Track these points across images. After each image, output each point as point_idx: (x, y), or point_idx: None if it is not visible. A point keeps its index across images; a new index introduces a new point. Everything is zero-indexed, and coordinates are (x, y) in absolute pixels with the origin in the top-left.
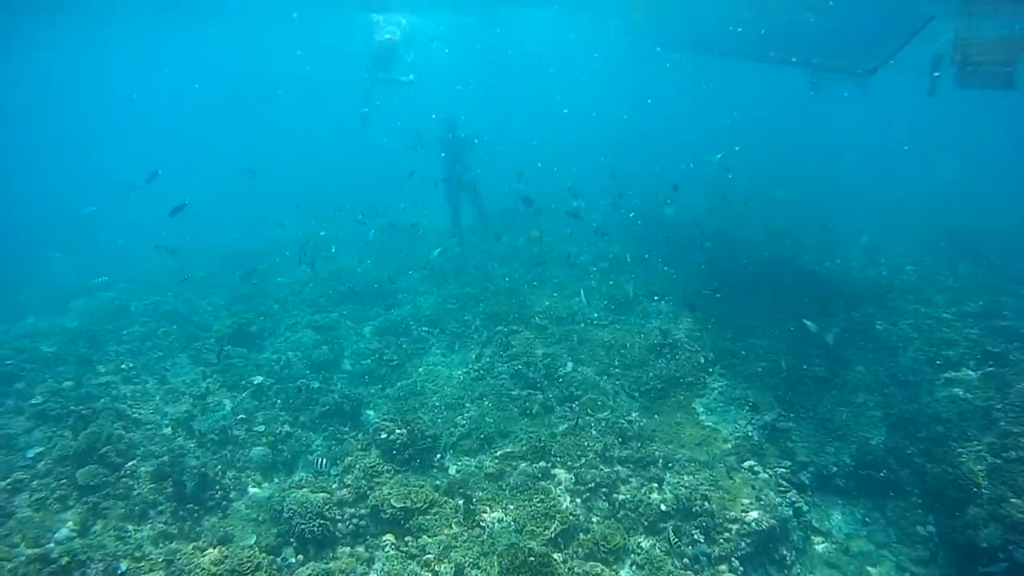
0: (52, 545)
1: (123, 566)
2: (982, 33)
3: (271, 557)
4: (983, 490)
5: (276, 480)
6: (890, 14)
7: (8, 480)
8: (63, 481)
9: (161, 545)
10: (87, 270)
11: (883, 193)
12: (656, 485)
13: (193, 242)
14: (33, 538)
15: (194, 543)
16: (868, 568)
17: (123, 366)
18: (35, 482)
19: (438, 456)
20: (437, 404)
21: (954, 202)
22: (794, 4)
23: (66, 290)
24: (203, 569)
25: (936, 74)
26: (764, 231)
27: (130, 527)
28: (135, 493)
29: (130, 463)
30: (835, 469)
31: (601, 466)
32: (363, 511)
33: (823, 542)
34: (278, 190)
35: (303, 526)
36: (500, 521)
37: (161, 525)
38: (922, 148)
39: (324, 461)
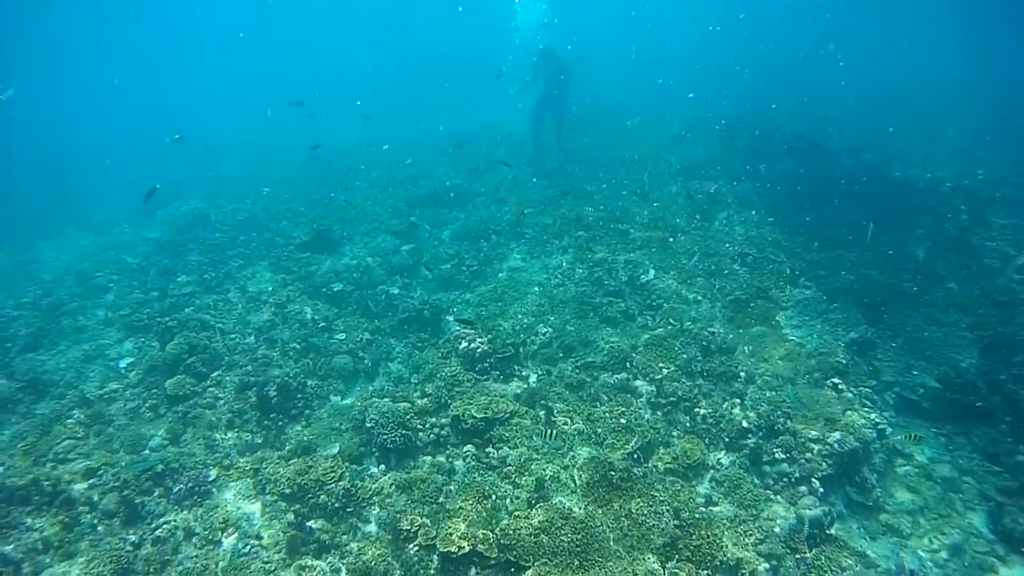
0: (147, 452)
1: (212, 474)
2: None
3: (354, 466)
4: None
5: (358, 388)
6: None
7: (104, 390)
8: (153, 391)
9: (247, 454)
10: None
11: (984, 100)
12: (738, 400)
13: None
14: (131, 445)
15: (279, 452)
16: (951, 494)
17: (205, 275)
18: (128, 392)
19: (518, 365)
20: (518, 311)
21: None
22: None
23: (150, 202)
24: (288, 478)
25: None
26: (855, 136)
27: (217, 436)
28: (221, 403)
29: (215, 373)
30: (922, 391)
31: (683, 379)
32: (444, 421)
33: (905, 465)
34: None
35: (384, 436)
36: (581, 433)
37: (247, 434)
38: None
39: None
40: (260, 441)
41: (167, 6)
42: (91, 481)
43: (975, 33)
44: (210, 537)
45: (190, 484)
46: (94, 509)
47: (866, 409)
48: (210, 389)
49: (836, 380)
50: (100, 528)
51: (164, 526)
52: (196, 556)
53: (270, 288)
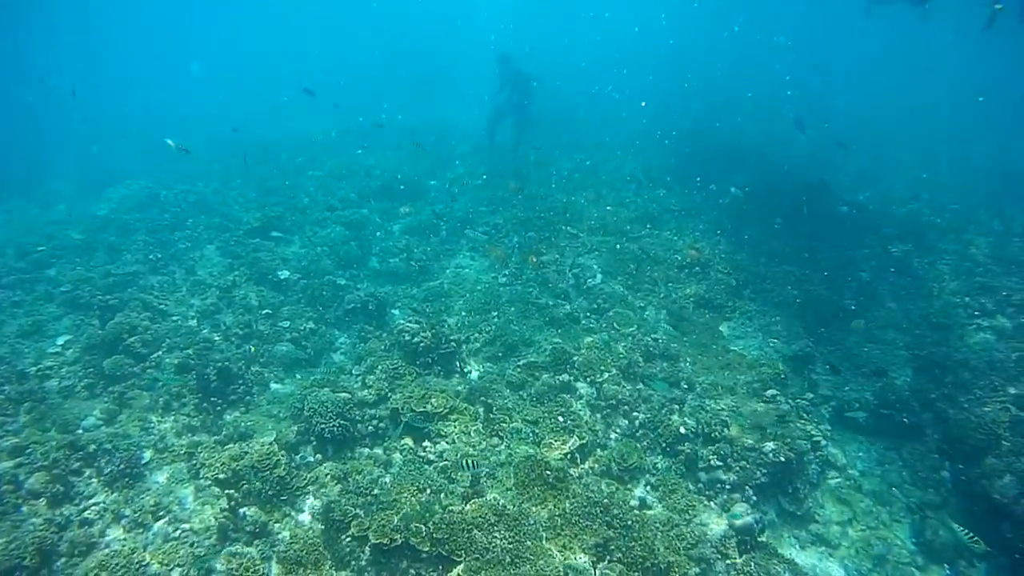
0: (80, 432)
1: (146, 456)
2: None
3: (290, 454)
4: (1003, 442)
5: (299, 377)
6: None
7: (39, 366)
8: (90, 370)
9: (184, 437)
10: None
11: (927, 127)
12: (677, 407)
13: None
14: (63, 424)
15: (215, 436)
16: (878, 507)
17: (151, 256)
18: (64, 369)
19: (460, 361)
20: (463, 308)
21: (1004, 142)
22: None
23: (98, 177)
24: (223, 463)
25: (998, 6)
26: (806, 155)
27: (154, 418)
28: (159, 385)
29: (155, 354)
30: (857, 406)
31: (623, 383)
32: (383, 413)
33: (837, 477)
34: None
35: (323, 425)
36: (519, 432)
37: (184, 417)
38: (969, 85)
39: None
40: (197, 425)
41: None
42: (18, 459)
43: (932, 61)
44: (139, 520)
45: (122, 465)
46: (19, 488)
47: (802, 421)
48: (149, 370)
49: (774, 391)
50: (24, 508)
51: (93, 508)
52: (124, 539)
53: (216, 272)
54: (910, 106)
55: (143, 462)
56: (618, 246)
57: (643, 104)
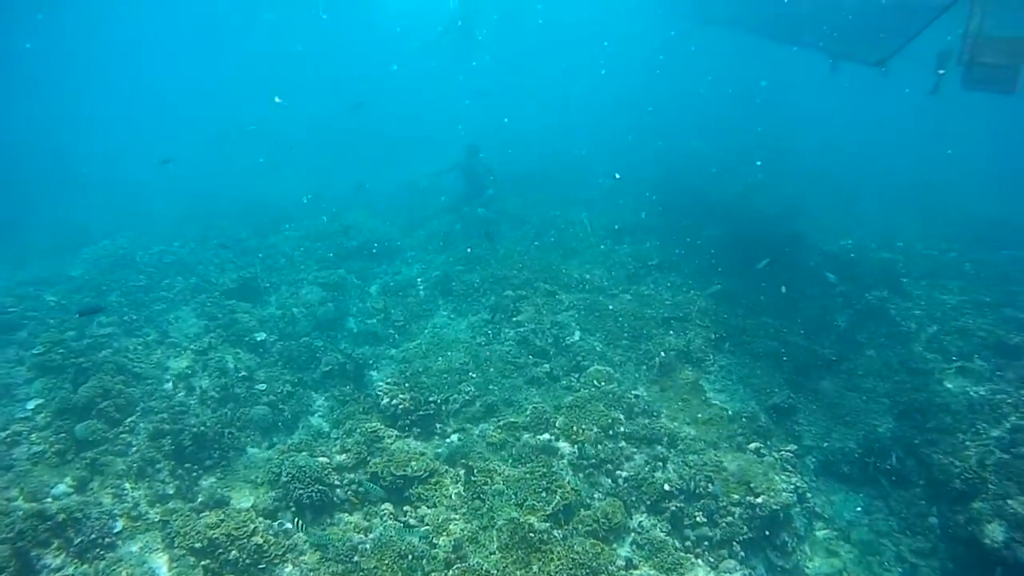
0: (49, 500)
1: (119, 525)
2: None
3: (268, 522)
4: (989, 485)
5: (276, 441)
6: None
7: (7, 432)
8: (62, 435)
9: (158, 505)
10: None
11: (900, 178)
12: (660, 463)
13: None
14: (31, 492)
15: (191, 504)
16: (868, 557)
17: (126, 318)
18: (34, 435)
19: (440, 423)
20: (442, 368)
21: (972, 190)
22: None
23: (74, 237)
24: (199, 532)
25: (941, 72)
26: (779, 207)
27: (127, 485)
28: (133, 450)
29: (129, 419)
30: (841, 455)
31: (606, 441)
32: (362, 477)
33: (825, 528)
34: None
35: (301, 491)
36: (501, 494)
37: (158, 484)
38: (934, 135)
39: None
40: (172, 492)
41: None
42: None
43: (895, 115)
44: None
45: (93, 535)
46: None
47: (787, 473)
48: (122, 435)
49: (758, 444)
50: None
51: None
52: None
53: (192, 333)
54: (878, 158)
55: (115, 531)
56: (596, 303)
57: (616, 176)
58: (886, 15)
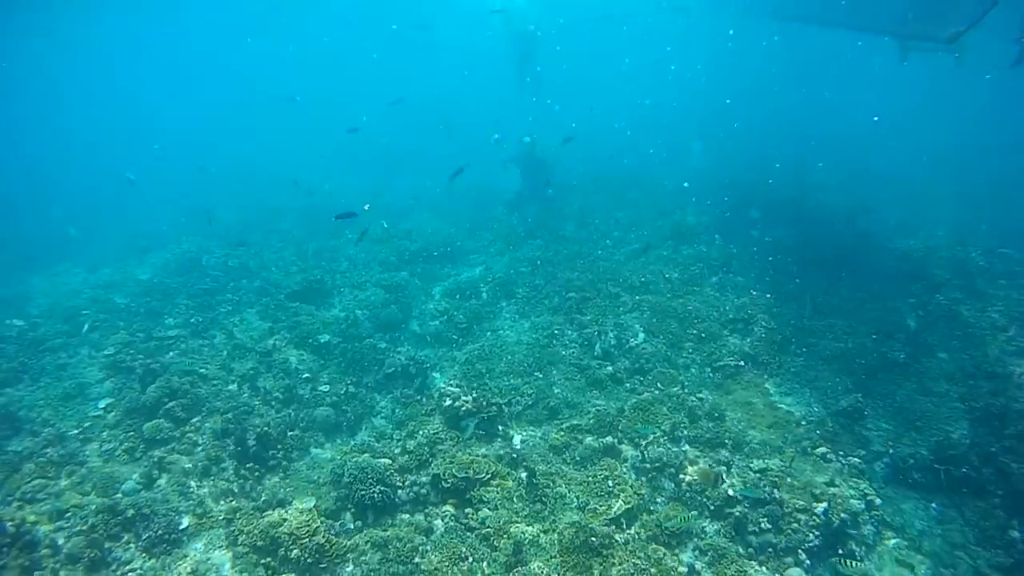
0: (120, 496)
1: (185, 521)
2: None
3: (330, 521)
4: None
5: (339, 442)
6: None
7: (80, 429)
8: (131, 433)
9: (222, 502)
10: (164, 225)
11: (975, 173)
12: (724, 468)
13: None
14: (102, 487)
15: (254, 503)
16: (942, 569)
17: (192, 320)
18: (105, 433)
19: (503, 425)
20: (504, 371)
21: None
22: None
23: (142, 242)
24: (261, 530)
25: None
26: (847, 205)
27: (192, 483)
28: (199, 449)
29: (195, 419)
30: (912, 462)
31: (669, 445)
32: (424, 479)
33: (895, 538)
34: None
35: (363, 492)
36: (563, 497)
37: (223, 482)
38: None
39: None
40: (236, 490)
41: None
42: (58, 523)
43: (967, 102)
44: None
45: (160, 531)
46: (58, 553)
47: (855, 479)
48: (188, 434)
49: (824, 449)
50: (62, 574)
51: (130, 574)
52: None
53: (257, 335)
54: (952, 153)
55: (181, 528)
56: (659, 304)
57: (685, 184)
58: None
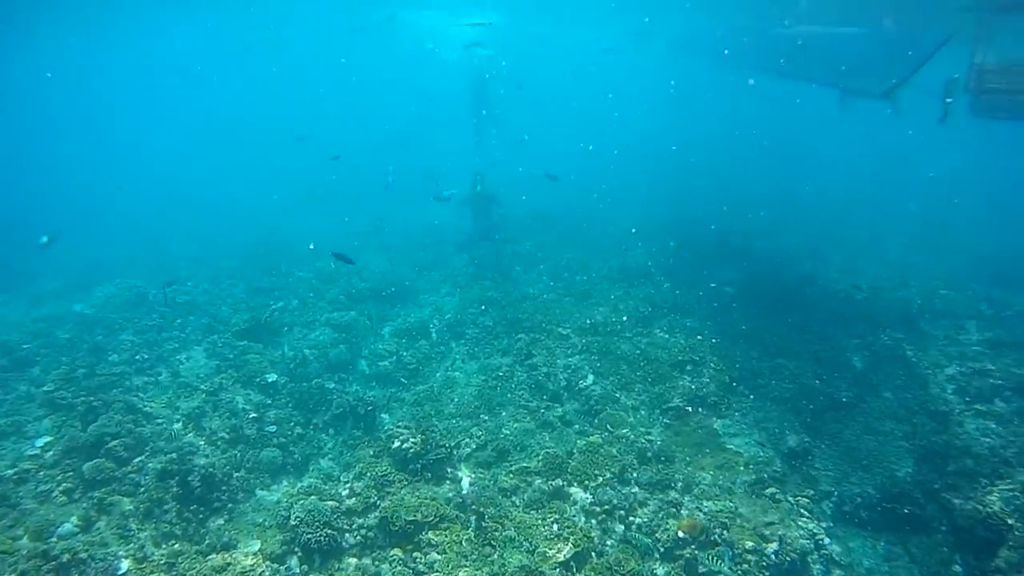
0: (54, 540)
1: (124, 566)
2: (999, 58)
3: (275, 565)
4: (1016, 532)
5: (285, 483)
6: (906, 36)
7: (15, 469)
8: (69, 473)
9: (164, 546)
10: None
11: (911, 215)
12: (674, 510)
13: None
14: (36, 531)
15: (197, 546)
16: None
17: (137, 356)
18: (41, 473)
19: (451, 467)
20: (454, 412)
21: (984, 227)
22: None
23: (88, 275)
24: (204, 575)
25: (949, 100)
26: (793, 247)
27: (134, 525)
28: (141, 490)
29: (138, 459)
30: (859, 500)
31: (619, 487)
32: (372, 522)
33: None
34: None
35: (309, 535)
36: (512, 540)
37: (165, 525)
38: (944, 171)
39: None
40: (179, 533)
41: None
42: None
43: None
44: None
45: None
46: None
47: (804, 519)
48: (131, 475)
49: (773, 489)
50: None
51: None
52: None
53: (203, 373)
54: (894, 197)
55: (120, 573)
56: (609, 346)
57: (633, 231)
58: (890, 48)
